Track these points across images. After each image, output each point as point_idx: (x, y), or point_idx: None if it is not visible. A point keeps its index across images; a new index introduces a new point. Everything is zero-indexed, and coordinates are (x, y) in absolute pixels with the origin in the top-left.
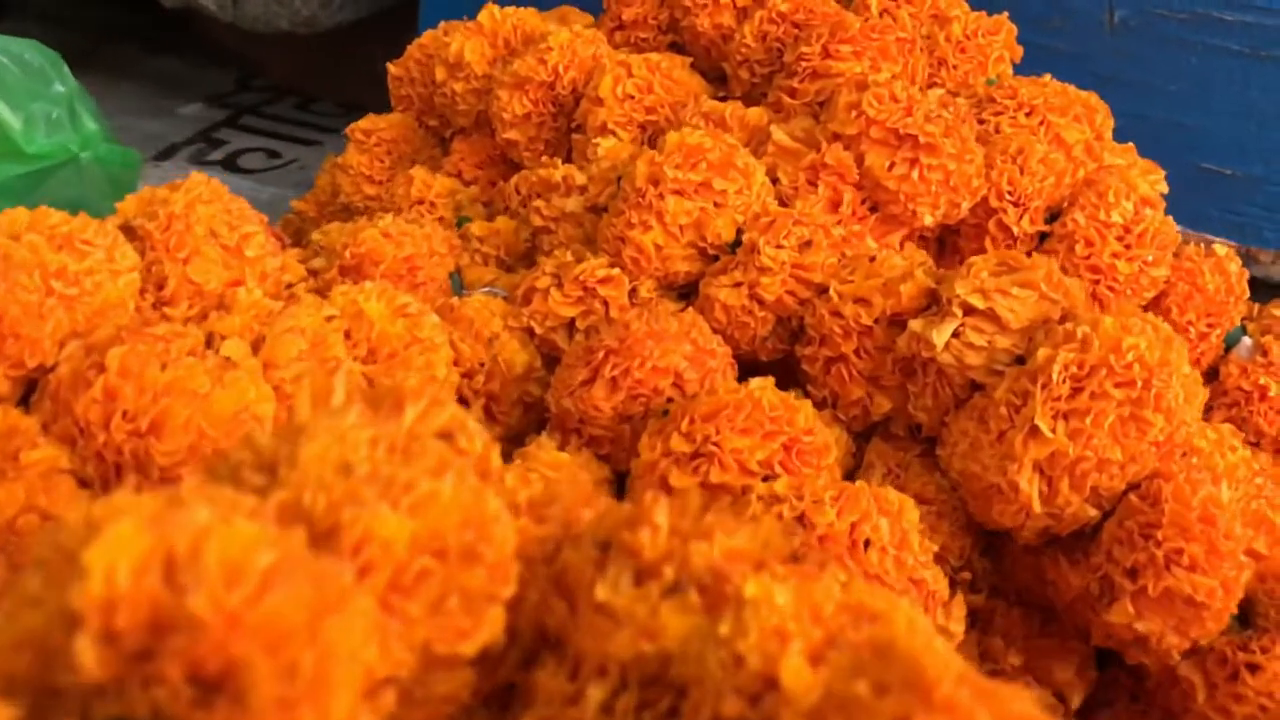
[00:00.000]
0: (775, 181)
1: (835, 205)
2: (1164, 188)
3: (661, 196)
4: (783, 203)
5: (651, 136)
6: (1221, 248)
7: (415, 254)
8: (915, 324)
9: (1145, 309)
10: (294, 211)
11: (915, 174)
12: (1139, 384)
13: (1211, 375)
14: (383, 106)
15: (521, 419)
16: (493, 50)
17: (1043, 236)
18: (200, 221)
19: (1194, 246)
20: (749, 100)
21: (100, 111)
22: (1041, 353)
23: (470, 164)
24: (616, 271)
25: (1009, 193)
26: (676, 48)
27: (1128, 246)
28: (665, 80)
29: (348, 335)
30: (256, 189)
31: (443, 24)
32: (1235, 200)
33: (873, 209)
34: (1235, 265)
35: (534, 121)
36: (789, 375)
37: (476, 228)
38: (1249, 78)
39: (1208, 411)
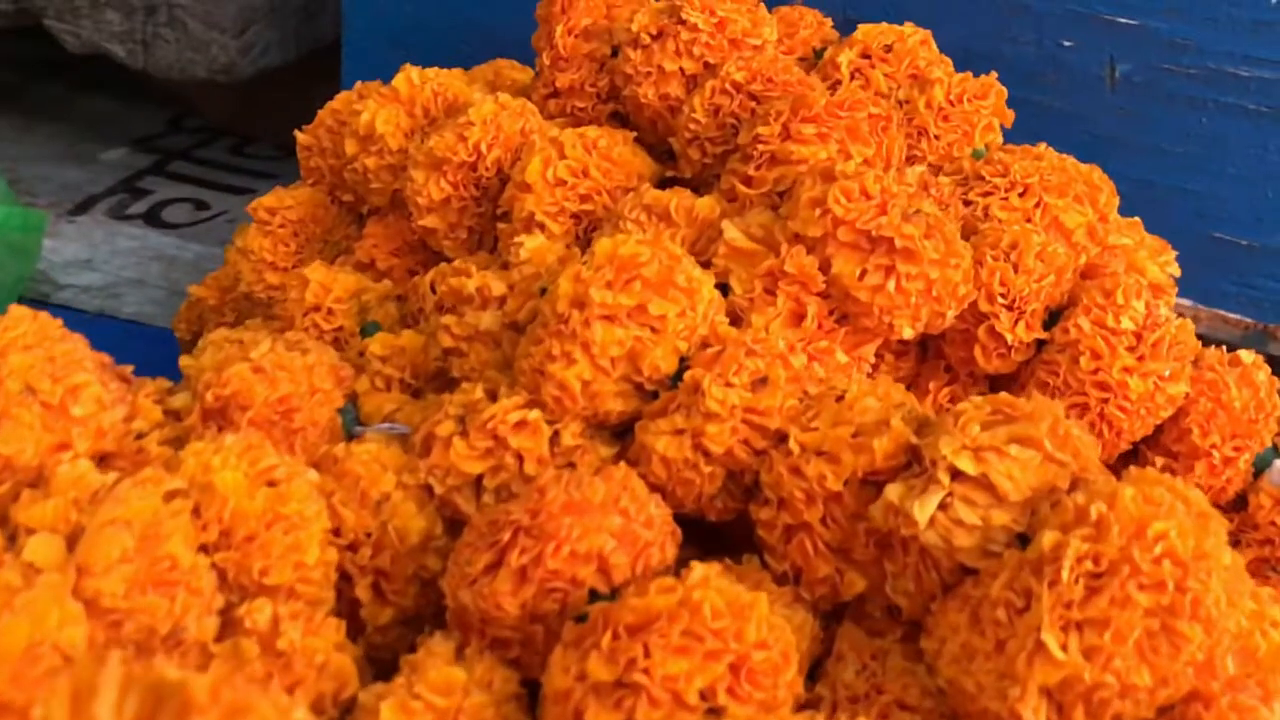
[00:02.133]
0: (727, 290)
1: (798, 319)
2: (1176, 270)
3: (588, 323)
4: (736, 316)
5: (588, 229)
6: (1248, 355)
7: (292, 393)
8: (893, 491)
9: (1162, 430)
10: (193, 299)
11: (891, 284)
12: (1171, 586)
13: (1238, 504)
14: None
15: (419, 598)
16: (410, 120)
17: (1040, 343)
18: (14, 374)
19: (1216, 352)
20: (702, 182)
21: (9, 161)
22: (1047, 538)
23: (385, 250)
24: (534, 415)
25: (1001, 295)
26: (620, 118)
27: (1141, 359)
28: (603, 161)
29: (197, 513)
30: (180, 246)
31: (358, 85)
32: (1251, 273)
33: (843, 318)
34: (1264, 374)
35: (454, 207)
36: (746, 534)
37: (377, 344)
38: (1267, 139)
39: (1233, 547)
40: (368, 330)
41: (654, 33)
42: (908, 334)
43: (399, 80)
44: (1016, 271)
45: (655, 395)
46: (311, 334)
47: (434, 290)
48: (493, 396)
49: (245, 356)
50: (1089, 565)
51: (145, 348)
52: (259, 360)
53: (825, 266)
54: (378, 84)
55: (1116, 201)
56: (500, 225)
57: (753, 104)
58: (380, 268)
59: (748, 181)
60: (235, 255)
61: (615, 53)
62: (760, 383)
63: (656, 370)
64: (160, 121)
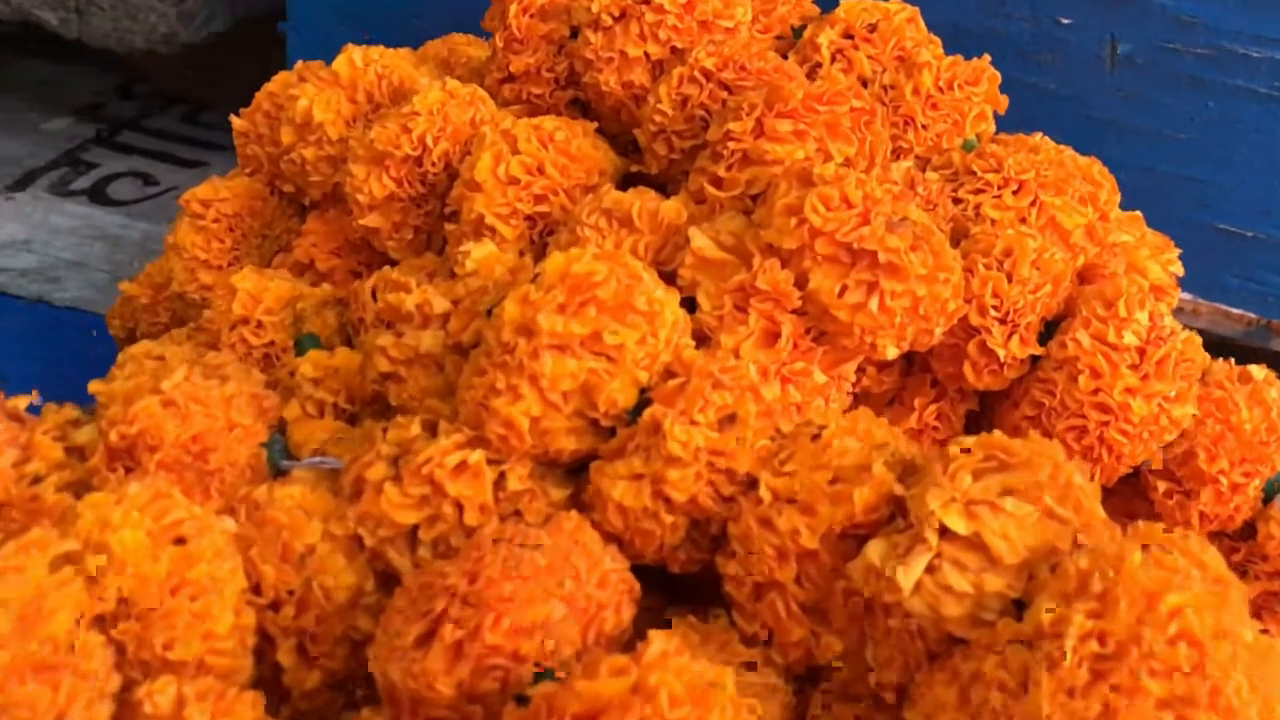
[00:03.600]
0: (694, 305)
1: (771, 338)
2: (1179, 269)
3: (536, 354)
4: (702, 335)
5: (543, 232)
6: (1259, 370)
7: (207, 430)
8: (874, 551)
9: (1166, 454)
10: (124, 296)
11: (874, 302)
12: (1186, 669)
13: (1246, 532)
14: None
15: (348, 660)
16: (351, 107)
17: (1034, 356)
18: None
19: (1224, 366)
20: (669, 179)
21: None
22: (1046, 611)
23: (325, 249)
24: (476, 457)
25: (994, 307)
26: (581, 105)
27: (1145, 378)
28: (560, 157)
29: (93, 580)
30: (126, 225)
31: (297, 66)
32: (1256, 266)
33: (821, 335)
34: (1276, 391)
35: (398, 205)
36: (714, 579)
37: (309, 365)
38: (1277, 124)
39: (1240, 578)
40: (302, 345)
41: (616, 14)
42: (891, 354)
43: (340, 62)
44: (1010, 281)
45: (613, 432)
46: (239, 350)
47: (375, 298)
48: (433, 430)
49: (156, 387)
50: (1094, 645)
51: (81, 340)
52: (170, 392)
53: (801, 281)
54: (319, 65)
55: (1118, 198)
56: (448, 226)
57: (724, 94)
58: (320, 268)
59: (718, 183)
60: (167, 252)
61: (575, 34)
62: (728, 420)
63: (614, 405)
64: (108, 87)
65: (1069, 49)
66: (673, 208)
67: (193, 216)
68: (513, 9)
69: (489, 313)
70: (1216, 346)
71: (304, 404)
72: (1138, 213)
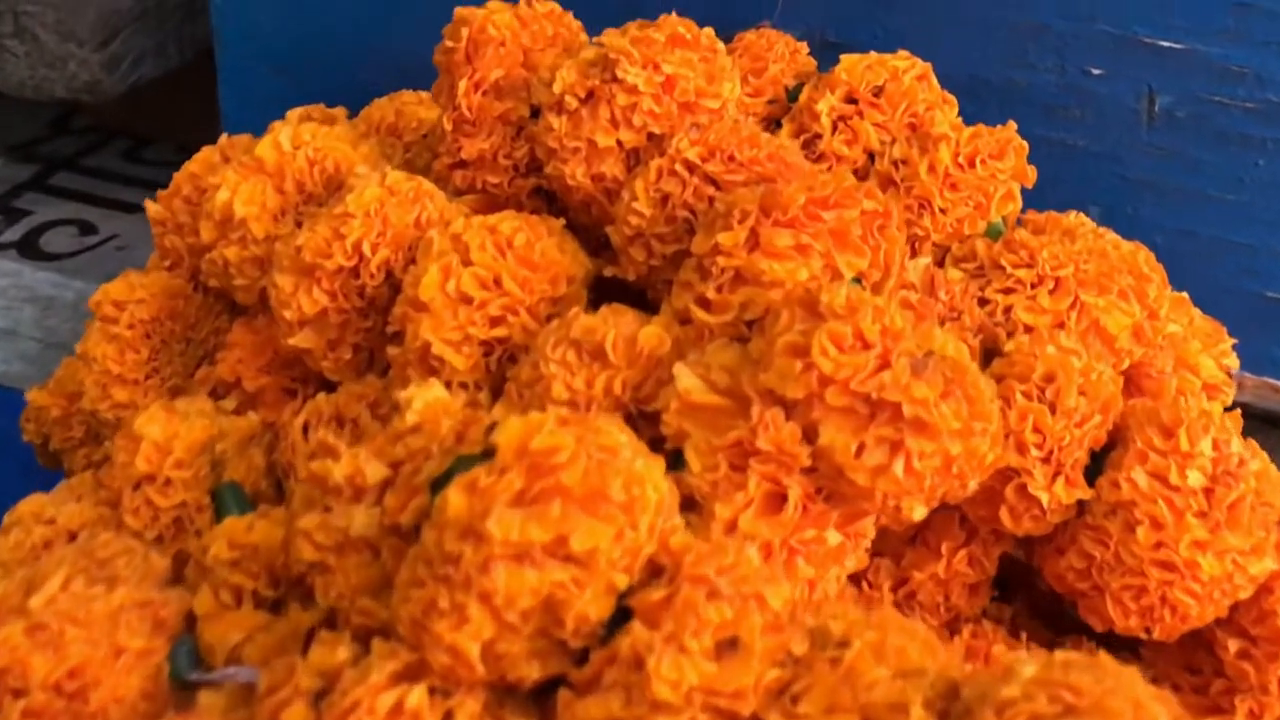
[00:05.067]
0: (680, 461)
1: (775, 504)
2: (1234, 361)
3: (486, 567)
4: (689, 500)
5: (502, 358)
6: None
7: (87, 662)
8: None
9: (1233, 614)
10: (33, 407)
11: (899, 465)
12: None
13: None
14: None
15: None
16: (279, 198)
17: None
18: None
19: None
20: (650, 284)
21: None
22: None
23: (253, 366)
24: (416, 696)
25: (1036, 445)
26: (546, 194)
27: (1215, 529)
28: (521, 268)
29: None
30: (59, 284)
31: (221, 142)
32: None
33: (834, 494)
34: None
35: (333, 321)
36: None
37: (222, 542)
38: None
39: None
40: (221, 501)
41: (582, 95)
42: (919, 516)
43: (264, 146)
44: (1054, 413)
45: (585, 654)
46: (143, 516)
47: (307, 434)
48: (367, 643)
49: (23, 605)
50: None
51: (8, 422)
52: (40, 614)
53: (810, 434)
54: (245, 141)
55: (1168, 292)
56: (391, 350)
57: (711, 189)
58: (248, 387)
59: (706, 305)
60: (76, 363)
61: (536, 114)
62: (728, 645)
63: (585, 621)
64: (43, 121)
65: (1100, 102)
66: (653, 335)
67: (104, 321)
68: (462, 86)
69: (433, 488)
70: (1262, 421)
71: (218, 591)
72: (1184, 294)
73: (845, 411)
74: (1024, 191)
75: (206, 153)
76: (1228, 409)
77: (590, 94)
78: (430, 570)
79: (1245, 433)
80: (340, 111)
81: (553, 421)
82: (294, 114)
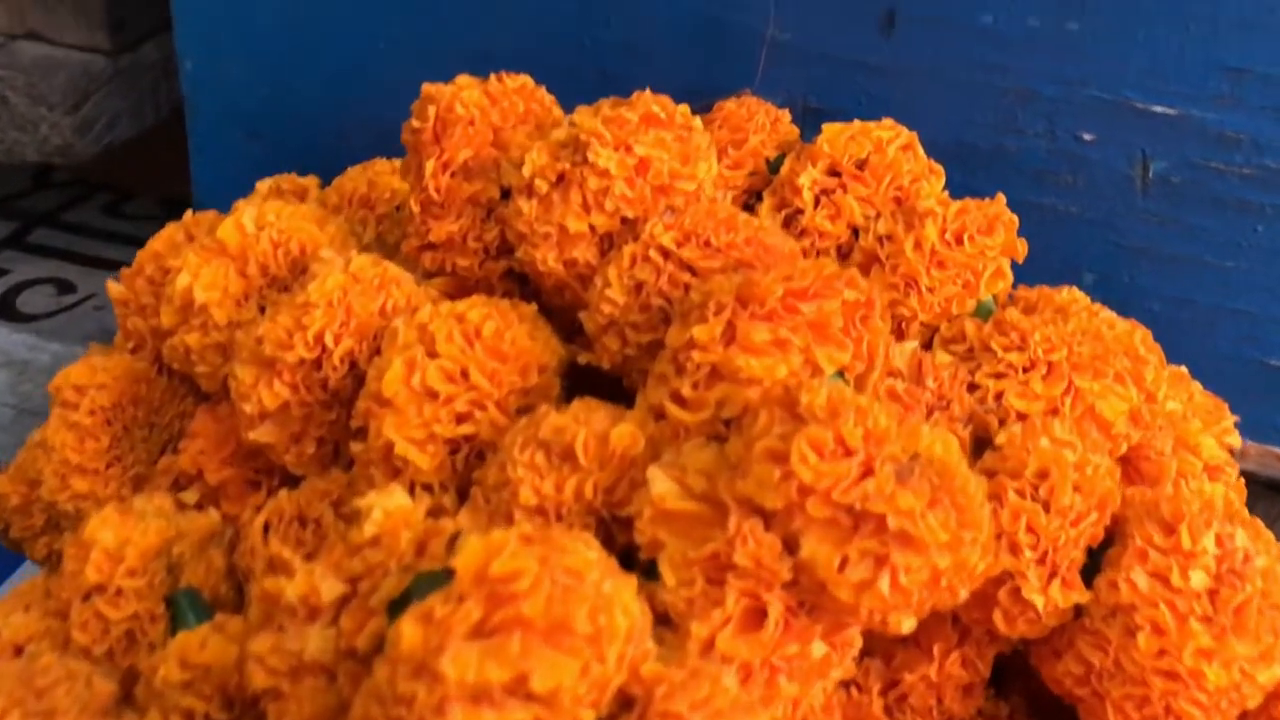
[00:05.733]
0: (655, 576)
1: (755, 620)
2: (1237, 440)
3: (442, 710)
4: (663, 616)
5: (470, 456)
6: None
7: None
8: None
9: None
10: None
11: (884, 581)
12: None
13: None
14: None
15: None
16: (242, 282)
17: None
18: None
19: None
20: (625, 374)
21: None
22: None
23: (216, 457)
24: None
25: (1030, 546)
26: (518, 276)
27: (1220, 635)
28: (490, 359)
29: None
30: (35, 346)
31: (186, 219)
32: None
33: (817, 607)
34: None
35: (295, 415)
36: None
37: (173, 663)
38: None
39: None
40: (177, 611)
41: (553, 178)
42: (907, 628)
43: (227, 228)
44: (1048, 512)
45: None
46: (92, 631)
47: (268, 535)
48: None
49: None
50: None
51: None
52: None
53: (791, 544)
54: (209, 220)
55: (1166, 372)
56: (354, 446)
57: (686, 276)
58: (210, 480)
59: (682, 401)
60: (37, 450)
61: (506, 194)
62: None
63: None
64: (24, 175)
65: (1093, 168)
66: (626, 434)
67: (64, 408)
68: (430, 167)
69: (390, 611)
70: (1266, 488)
71: (168, 716)
72: (1183, 369)
73: (827, 523)
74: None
75: (170, 230)
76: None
77: (561, 177)
78: (384, 710)
79: (1249, 501)
80: (312, 180)
81: (515, 541)
82: (263, 185)
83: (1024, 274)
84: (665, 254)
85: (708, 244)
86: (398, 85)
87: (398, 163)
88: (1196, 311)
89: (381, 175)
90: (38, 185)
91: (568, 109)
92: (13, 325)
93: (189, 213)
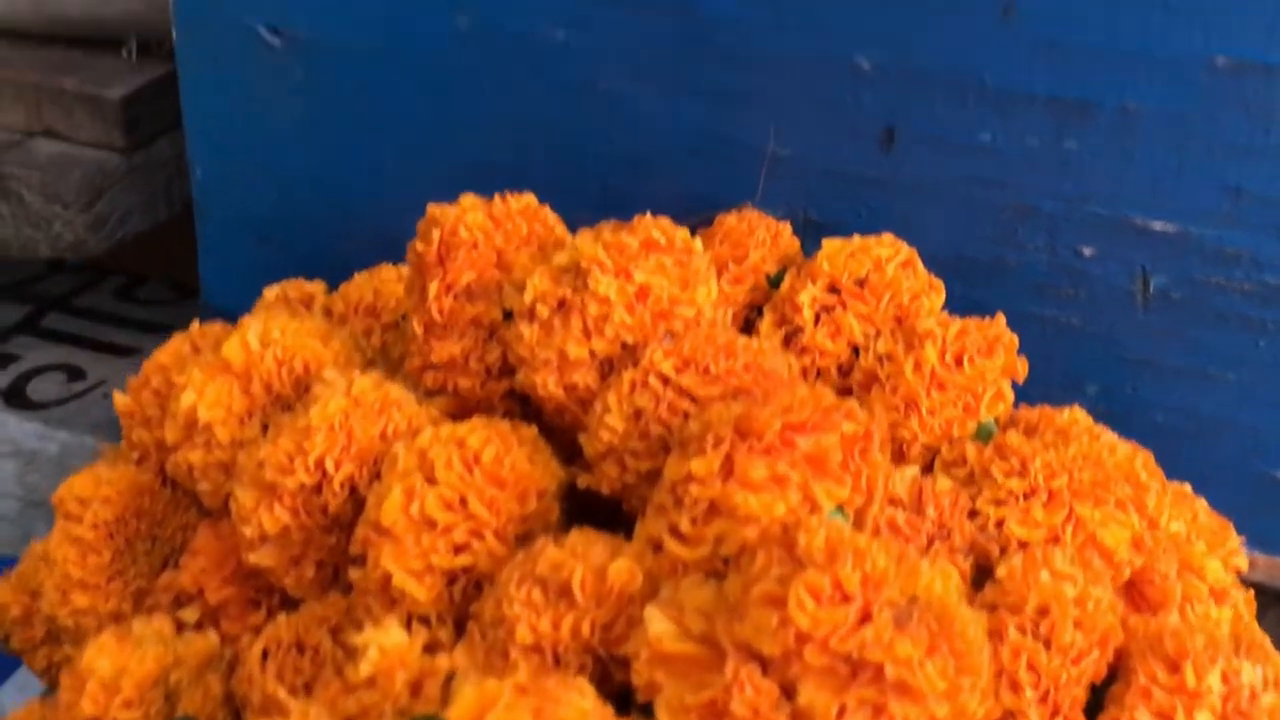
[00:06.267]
0: (651, 714)
1: None
2: (1243, 562)
3: None
4: None
5: (468, 587)
6: None
7: None
8: None
9: None
10: None
11: None
12: None
13: None
14: None
15: None
16: (246, 400)
17: None
18: None
19: None
20: (625, 498)
21: None
22: None
23: (217, 576)
24: None
25: (1030, 684)
26: (519, 396)
27: None
28: (489, 486)
29: None
30: (44, 435)
31: (193, 331)
32: None
33: None
34: None
35: (295, 538)
36: None
37: None
38: None
39: None
40: None
41: (553, 304)
42: None
43: (232, 346)
44: (1049, 649)
45: None
46: None
47: (266, 660)
48: None
49: None
50: None
51: None
52: None
53: (789, 690)
54: (216, 333)
55: (1168, 496)
56: (353, 573)
57: (686, 403)
58: (211, 599)
59: (680, 536)
60: (39, 560)
61: (509, 315)
62: None
63: None
64: (38, 260)
65: (1093, 282)
66: (624, 570)
67: (67, 520)
68: (433, 289)
69: None
70: (1274, 599)
71: None
72: (1186, 487)
73: (825, 671)
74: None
75: (177, 342)
76: None
77: (561, 303)
78: None
79: (1259, 612)
80: (318, 286)
81: (509, 693)
82: (270, 292)
83: (1028, 383)
84: (665, 380)
85: (707, 371)
86: (403, 194)
87: (403, 269)
88: (1201, 423)
89: (387, 283)
90: (51, 269)
91: (571, 220)
92: (23, 414)
93: (195, 324)
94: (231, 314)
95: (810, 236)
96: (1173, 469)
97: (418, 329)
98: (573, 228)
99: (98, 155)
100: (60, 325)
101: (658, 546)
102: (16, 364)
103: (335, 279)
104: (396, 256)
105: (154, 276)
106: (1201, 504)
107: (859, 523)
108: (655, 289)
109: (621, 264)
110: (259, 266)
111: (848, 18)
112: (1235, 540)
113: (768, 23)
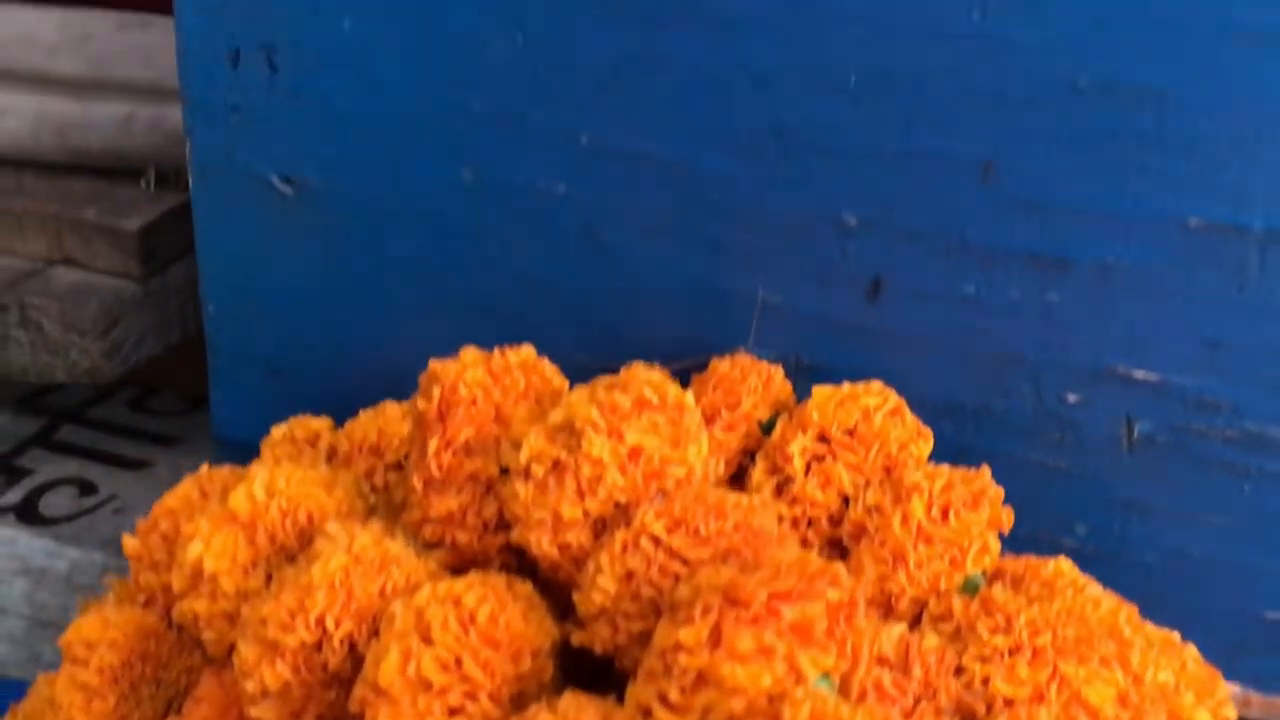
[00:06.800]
0: None
1: None
2: (1232, 713)
3: None
4: None
5: None
6: None
7: None
8: None
9: None
10: None
11: None
12: None
13: None
14: None
15: None
16: (251, 550)
17: None
18: None
19: None
20: (618, 657)
21: None
22: None
23: None
24: None
25: None
26: (516, 550)
27: None
28: (484, 647)
29: None
30: (53, 553)
31: (203, 473)
32: None
33: None
34: None
35: (296, 694)
36: None
37: None
38: None
39: None
40: None
41: (548, 465)
42: None
43: (238, 499)
44: None
45: None
46: None
47: None
48: None
49: None
50: None
51: None
52: None
53: None
54: (225, 478)
55: (1154, 651)
56: None
57: (677, 564)
58: None
59: (668, 705)
60: (43, 705)
61: (505, 471)
62: None
63: None
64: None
65: (1079, 428)
66: None
67: (73, 664)
68: (433, 446)
69: None
70: None
71: None
72: (1174, 635)
73: None
74: (1011, 504)
75: (186, 487)
76: None
77: (556, 464)
78: None
79: None
80: (324, 424)
81: None
82: (278, 431)
83: (1018, 523)
84: (656, 542)
85: (697, 532)
86: (408, 335)
87: (406, 405)
88: (1191, 564)
89: (391, 422)
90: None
91: (572, 360)
92: (34, 529)
93: (205, 467)
94: (241, 446)
95: (802, 379)
96: (1165, 608)
97: (417, 484)
98: (573, 367)
99: (115, 284)
100: (73, 438)
101: (647, 713)
102: (30, 478)
103: (342, 412)
104: (400, 393)
105: (166, 388)
106: (1191, 652)
107: (845, 688)
108: (647, 449)
109: (614, 424)
110: (268, 399)
111: (834, 178)
112: (1225, 690)
113: (758, 181)
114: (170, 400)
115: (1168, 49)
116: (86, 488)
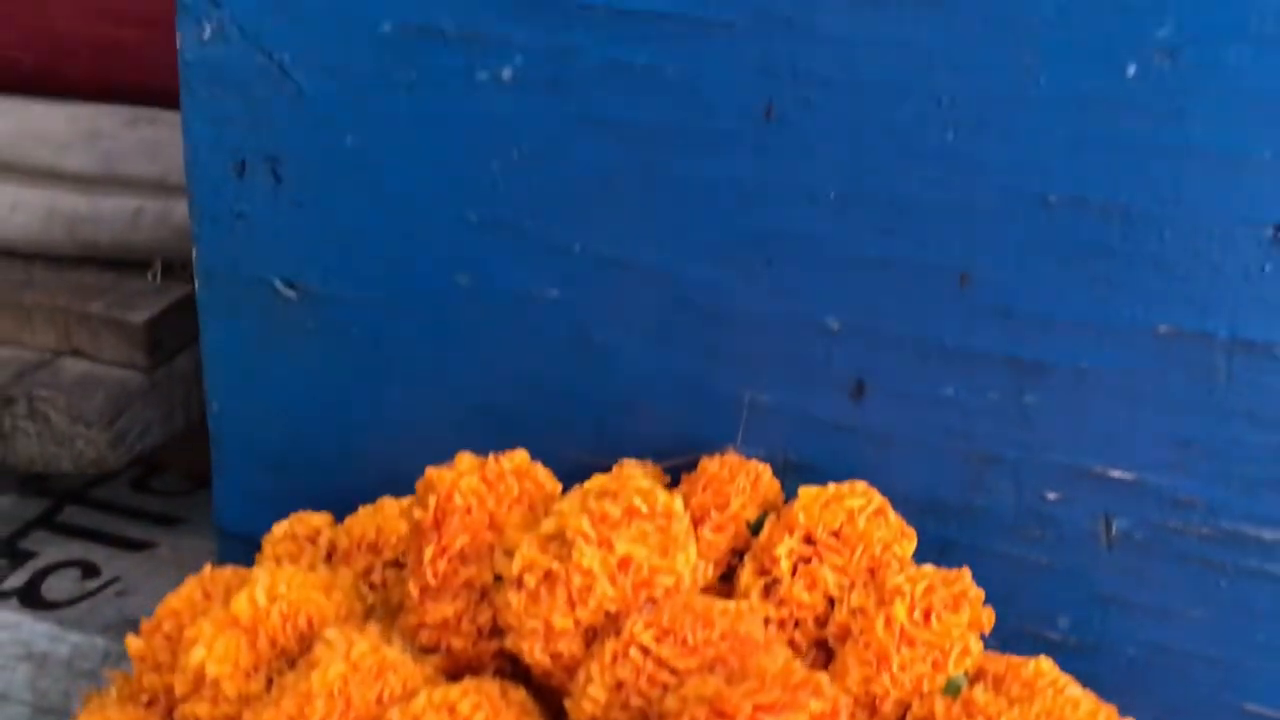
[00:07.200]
0: None
1: None
2: None
3: None
4: None
5: None
6: None
7: None
8: None
9: None
10: None
11: None
12: None
13: None
14: None
15: None
16: (253, 654)
17: None
18: None
19: None
20: None
21: None
22: None
23: None
24: None
25: None
26: (510, 655)
27: None
28: None
29: None
30: (55, 637)
31: (206, 575)
32: None
33: None
34: None
35: None
36: None
37: None
38: None
39: None
40: None
41: (540, 575)
42: None
43: (240, 603)
44: None
45: None
46: None
47: None
48: None
49: None
50: None
51: None
52: None
53: None
54: (228, 580)
55: None
56: None
57: (666, 674)
58: None
59: None
60: None
61: (499, 578)
62: None
63: None
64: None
65: (1059, 524)
66: None
67: None
68: (428, 554)
69: None
70: None
71: None
72: None
73: None
74: (995, 598)
75: (190, 588)
76: None
77: (548, 575)
78: None
79: None
80: (325, 520)
81: None
82: (279, 528)
83: (1002, 617)
84: (645, 652)
85: (685, 642)
86: (406, 433)
87: (403, 502)
88: (1171, 657)
89: (389, 519)
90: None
91: (566, 457)
92: (36, 613)
93: (208, 568)
94: (243, 537)
95: (790, 477)
96: (1147, 700)
97: (414, 590)
98: (567, 464)
99: (121, 374)
100: (77, 519)
101: None
102: (33, 561)
103: (342, 506)
104: (399, 489)
105: (168, 466)
106: None
107: None
108: (637, 558)
109: (605, 534)
110: (270, 492)
111: (817, 285)
112: None
113: (744, 288)
114: (173, 480)
115: (1133, 167)
116: (89, 570)
